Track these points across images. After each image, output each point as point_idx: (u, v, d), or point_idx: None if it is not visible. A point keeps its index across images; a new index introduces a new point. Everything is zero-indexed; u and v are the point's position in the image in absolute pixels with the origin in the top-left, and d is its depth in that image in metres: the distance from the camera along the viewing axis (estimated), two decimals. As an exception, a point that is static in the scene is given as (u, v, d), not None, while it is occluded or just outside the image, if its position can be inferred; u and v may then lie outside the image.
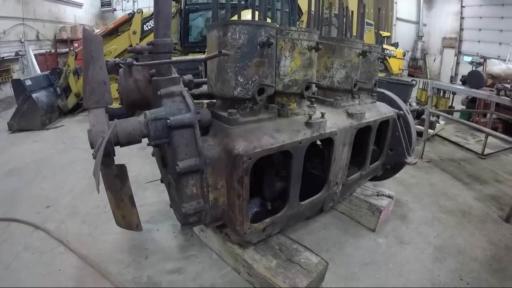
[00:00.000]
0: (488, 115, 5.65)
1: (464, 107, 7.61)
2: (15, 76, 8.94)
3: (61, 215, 2.89)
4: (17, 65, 9.51)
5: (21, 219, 2.78)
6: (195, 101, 1.98)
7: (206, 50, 4.02)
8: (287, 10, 5.93)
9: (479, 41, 16.34)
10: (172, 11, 6.40)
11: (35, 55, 9.70)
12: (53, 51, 11.02)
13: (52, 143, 4.99)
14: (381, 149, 2.75)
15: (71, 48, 9.05)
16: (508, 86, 3.79)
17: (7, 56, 9.05)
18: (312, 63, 1.95)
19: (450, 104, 7.14)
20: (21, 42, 9.72)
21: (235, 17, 1.91)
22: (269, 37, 1.64)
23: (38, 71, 8.85)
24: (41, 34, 10.64)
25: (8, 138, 5.33)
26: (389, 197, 2.84)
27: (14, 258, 2.31)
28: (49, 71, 6.83)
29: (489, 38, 15.58)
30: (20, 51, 9.53)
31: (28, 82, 5.80)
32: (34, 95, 5.71)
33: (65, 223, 2.75)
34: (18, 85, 5.74)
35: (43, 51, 10.61)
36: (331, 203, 2.38)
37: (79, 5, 13.14)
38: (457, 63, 17.59)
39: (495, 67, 6.56)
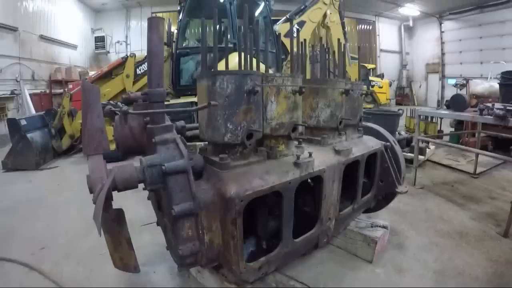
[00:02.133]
0: (476, 134, 5.81)
1: (453, 129, 7.81)
2: (9, 114, 9.03)
3: (56, 256, 2.85)
4: (12, 103, 9.61)
5: (16, 259, 2.75)
6: (188, 143, 2.06)
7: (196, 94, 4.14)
8: (273, 51, 6.17)
9: (461, 63, 17.03)
10: (164, 55, 6.67)
11: (30, 94, 9.82)
12: (47, 91, 11.18)
13: (47, 184, 4.98)
14: (372, 181, 2.81)
15: (66, 90, 9.24)
16: (490, 105, 3.92)
17: (3, 94, 9.16)
18: (297, 106, 2.05)
19: (439, 128, 7.31)
20: (17, 81, 9.86)
21: (223, 61, 2.02)
22: (255, 86, 1.76)
23: (33, 111, 8.95)
24: (37, 74, 10.84)
25: (1, 177, 5.34)
26: (384, 227, 2.86)
27: (7, 299, 2.28)
28: (43, 112, 6.93)
29: (470, 59, 16.29)
30: (15, 90, 9.65)
31: (23, 122, 5.89)
32: (29, 135, 5.78)
33: (60, 265, 2.72)
34: (13, 124, 5.84)
35: (38, 91, 10.77)
36: (325, 239, 2.40)
37: (74, 47, 13.53)
38: (442, 87, 18.21)
39: (478, 86, 6.82)
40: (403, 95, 20.02)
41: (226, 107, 1.76)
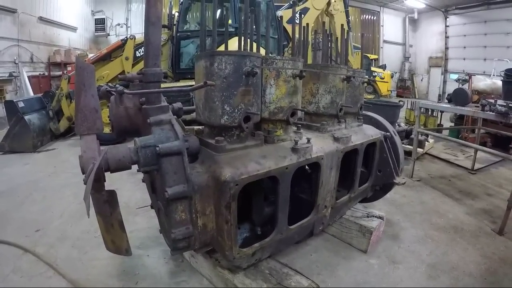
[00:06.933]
0: (476, 130, 5.78)
1: (452, 124, 7.78)
2: (7, 97, 8.91)
3: (51, 239, 2.85)
4: (10, 86, 9.50)
5: (10, 242, 2.74)
6: (187, 127, 2.02)
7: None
8: (275, 37, 6.09)
9: (464, 59, 16.92)
10: (164, 38, 6.54)
11: (28, 77, 9.72)
12: (46, 73, 11.06)
13: (43, 166, 4.95)
14: (370, 171, 2.79)
15: (65, 72, 9.13)
16: (492, 101, 3.89)
17: (1, 76, 9.06)
18: (297, 90, 2.01)
19: (438, 122, 7.28)
20: (15, 63, 9.74)
21: (223, 46, 1.97)
22: (254, 67, 1.71)
23: (31, 93, 8.87)
24: (35, 56, 10.70)
25: (-2, 159, 5.30)
26: (380, 217, 2.85)
27: (2, 281, 2.27)
28: (42, 94, 6.86)
29: (474, 55, 16.16)
30: (14, 72, 9.54)
31: (21, 104, 5.82)
32: (26, 117, 5.71)
33: (55, 247, 2.71)
34: (10, 106, 5.76)
35: (37, 73, 10.65)
36: (320, 227, 2.39)
37: (74, 29, 13.33)
38: (444, 82, 18.15)
39: (481, 83, 6.75)
40: (404, 88, 19.97)
41: (224, 88, 1.72)
